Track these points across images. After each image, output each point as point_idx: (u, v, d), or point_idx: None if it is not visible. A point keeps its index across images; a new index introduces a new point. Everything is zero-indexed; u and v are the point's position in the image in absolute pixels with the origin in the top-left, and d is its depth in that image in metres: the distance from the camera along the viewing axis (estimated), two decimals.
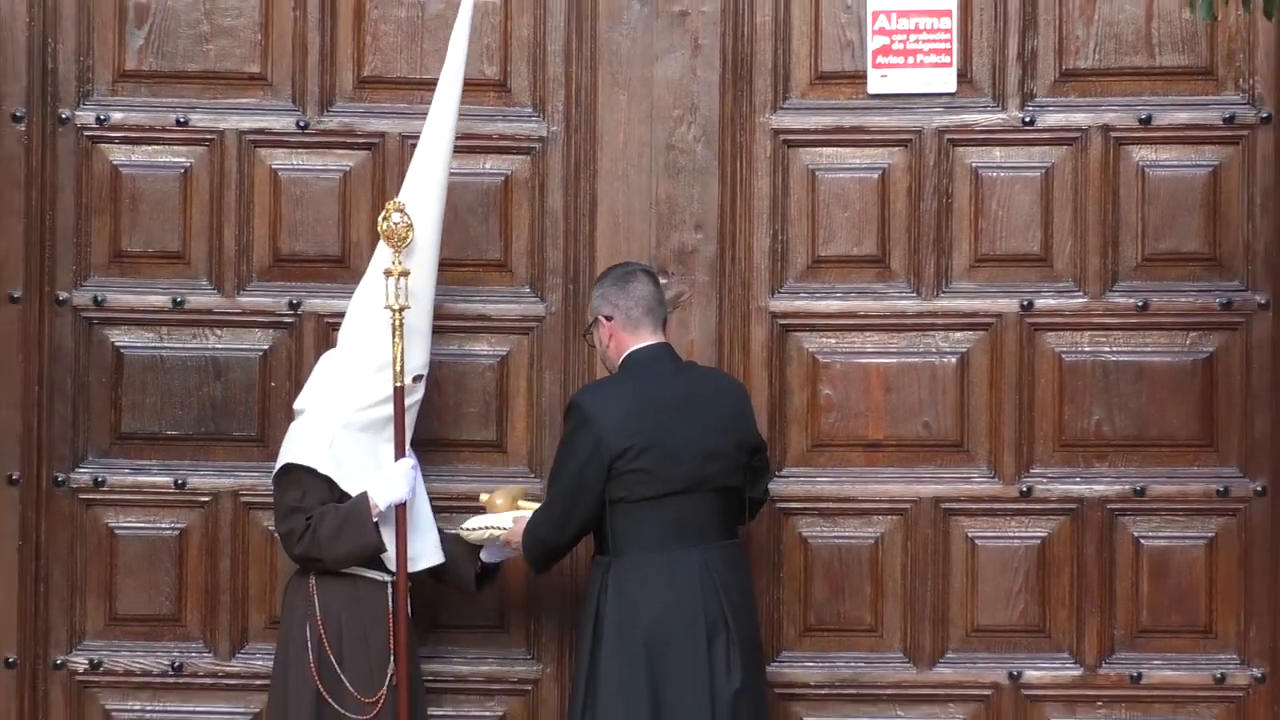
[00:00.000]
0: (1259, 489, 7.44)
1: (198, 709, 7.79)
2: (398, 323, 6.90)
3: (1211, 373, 7.59)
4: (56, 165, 7.76)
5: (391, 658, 7.01)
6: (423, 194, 7.29)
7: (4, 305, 7.64)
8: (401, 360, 6.92)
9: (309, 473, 6.94)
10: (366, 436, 7.08)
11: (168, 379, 7.81)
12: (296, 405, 7.30)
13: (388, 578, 7.03)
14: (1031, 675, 7.54)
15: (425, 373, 7.27)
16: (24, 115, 7.67)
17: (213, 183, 7.83)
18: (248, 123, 7.84)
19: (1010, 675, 7.51)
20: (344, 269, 7.84)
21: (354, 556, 6.95)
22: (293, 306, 7.80)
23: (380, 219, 7.04)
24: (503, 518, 7.04)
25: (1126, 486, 7.58)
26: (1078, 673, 7.59)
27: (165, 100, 7.81)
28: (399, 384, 6.92)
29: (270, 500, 7.47)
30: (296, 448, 7.05)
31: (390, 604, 7.07)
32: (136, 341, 7.79)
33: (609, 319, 6.91)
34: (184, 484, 7.69)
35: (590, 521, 6.79)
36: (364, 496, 6.86)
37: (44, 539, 7.67)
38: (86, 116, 7.76)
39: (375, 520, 6.85)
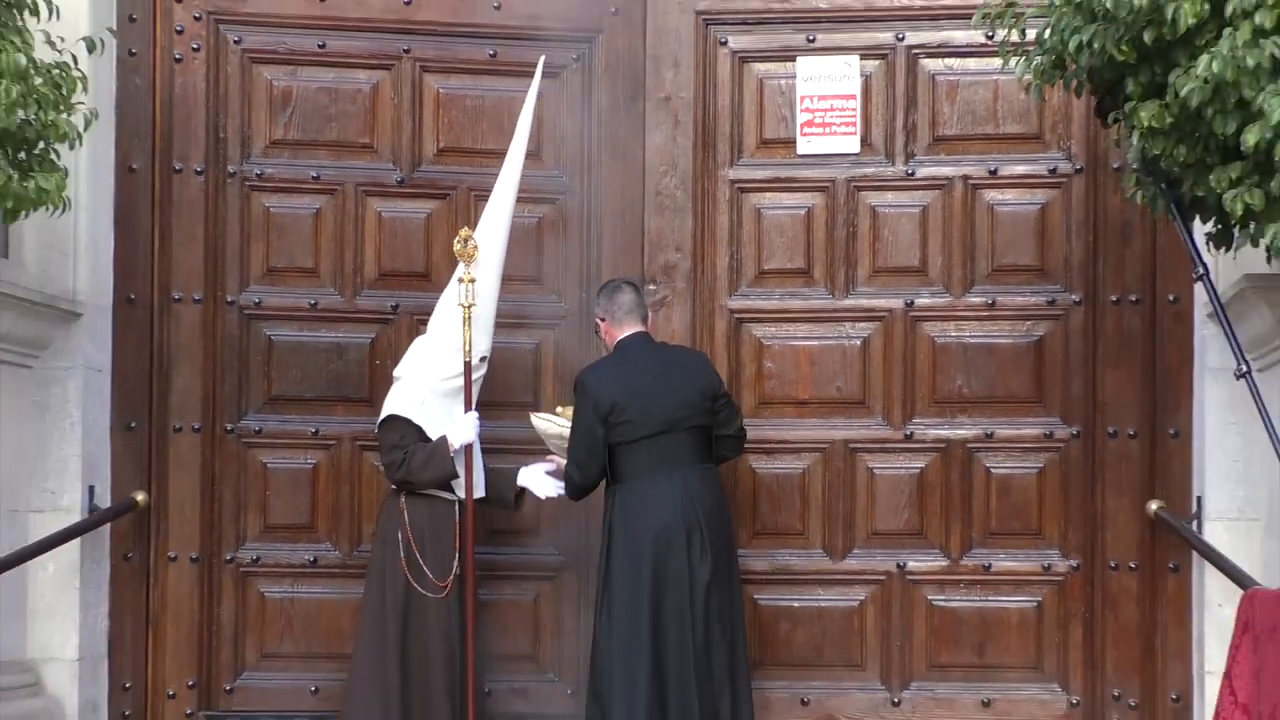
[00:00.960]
0: (1074, 433, 8.56)
1: (325, 590, 8.87)
2: (467, 316, 7.88)
3: (1040, 351, 8.66)
4: (226, 206, 8.76)
5: (457, 554, 8.01)
6: (493, 227, 8.16)
7: (189, 305, 8.66)
8: (470, 343, 7.91)
9: (405, 421, 8.01)
10: (445, 399, 8.05)
11: (304, 358, 8.86)
12: (395, 373, 8.24)
13: (454, 498, 8.07)
14: (913, 565, 8.67)
15: (488, 354, 8.16)
16: (203, 170, 8.69)
17: (336, 220, 8.91)
18: (360, 177, 8.92)
19: (898, 565, 8.64)
20: (427, 280, 8.87)
21: (436, 481, 8.01)
22: (392, 308, 8.91)
23: (455, 242, 8.02)
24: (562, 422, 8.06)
25: (980, 431, 8.72)
26: (945, 563, 8.69)
27: (302, 161, 8.87)
28: (467, 360, 7.93)
29: (374, 444, 8.51)
30: (397, 403, 8.09)
31: (456, 517, 8.07)
32: (283, 331, 8.85)
33: (603, 320, 8.08)
34: (316, 431, 8.83)
35: (603, 461, 7.77)
36: (444, 438, 7.92)
37: (217, 471, 8.71)
38: (248, 171, 8.78)
39: (451, 456, 7.93)
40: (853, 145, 8.92)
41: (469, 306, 7.93)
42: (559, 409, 8.27)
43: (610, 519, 7.81)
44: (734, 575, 7.94)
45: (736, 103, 9.06)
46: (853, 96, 8.89)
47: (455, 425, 8.03)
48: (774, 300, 8.95)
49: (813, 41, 8.96)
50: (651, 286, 8.72)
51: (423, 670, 8.02)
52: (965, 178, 8.83)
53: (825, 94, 8.92)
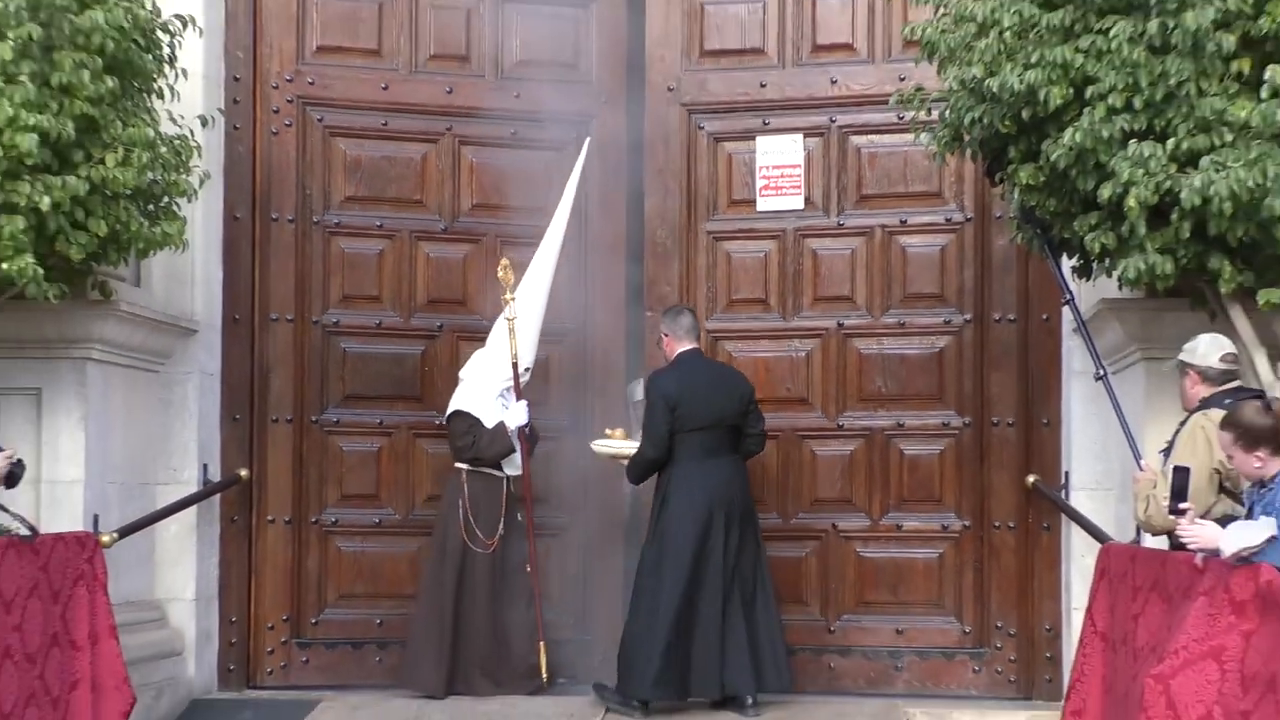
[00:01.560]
0: (966, 422, 8.55)
1: (387, 546, 8.86)
2: (511, 327, 8.08)
3: (940, 359, 8.64)
4: (310, 247, 8.73)
5: (502, 518, 8.14)
6: (541, 267, 8.30)
7: (282, 324, 8.65)
8: (515, 349, 8.07)
9: (469, 414, 8.11)
10: (498, 397, 8.14)
11: (371, 365, 8.84)
12: (460, 375, 8.31)
13: (503, 475, 8.18)
14: (844, 525, 8.68)
15: (530, 367, 8.25)
16: (294, 219, 8.71)
17: (394, 259, 8.91)
18: (413, 226, 8.94)
19: (833, 525, 8.67)
20: (464, 306, 9.00)
21: (498, 456, 8.10)
22: (438, 327, 8.94)
23: (499, 270, 8.20)
24: (626, 444, 8.03)
25: (894, 421, 8.69)
26: (868, 524, 8.70)
27: (369, 213, 8.88)
28: (514, 360, 8.08)
29: (426, 432, 8.79)
30: (462, 401, 8.17)
31: (504, 489, 8.19)
32: (354, 344, 8.83)
33: (666, 335, 7.93)
34: (380, 422, 8.80)
35: (668, 443, 7.65)
36: (502, 424, 8.06)
37: (304, 452, 8.70)
38: (327, 220, 8.78)
39: (509, 435, 8.05)
40: (798, 203, 8.93)
41: (512, 319, 8.10)
42: (608, 431, 8.27)
43: (666, 489, 7.67)
44: (759, 538, 7.88)
45: (711, 172, 9.09)
46: (798, 166, 8.90)
47: (510, 412, 8.11)
48: (740, 322, 8.93)
49: (767, 124, 8.95)
50: (648, 314, 8.81)
51: (470, 607, 8.08)
52: (883, 226, 8.81)
53: (777, 164, 8.94)
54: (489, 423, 8.12)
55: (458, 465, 8.23)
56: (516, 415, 8.10)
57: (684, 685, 7.57)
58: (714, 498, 7.57)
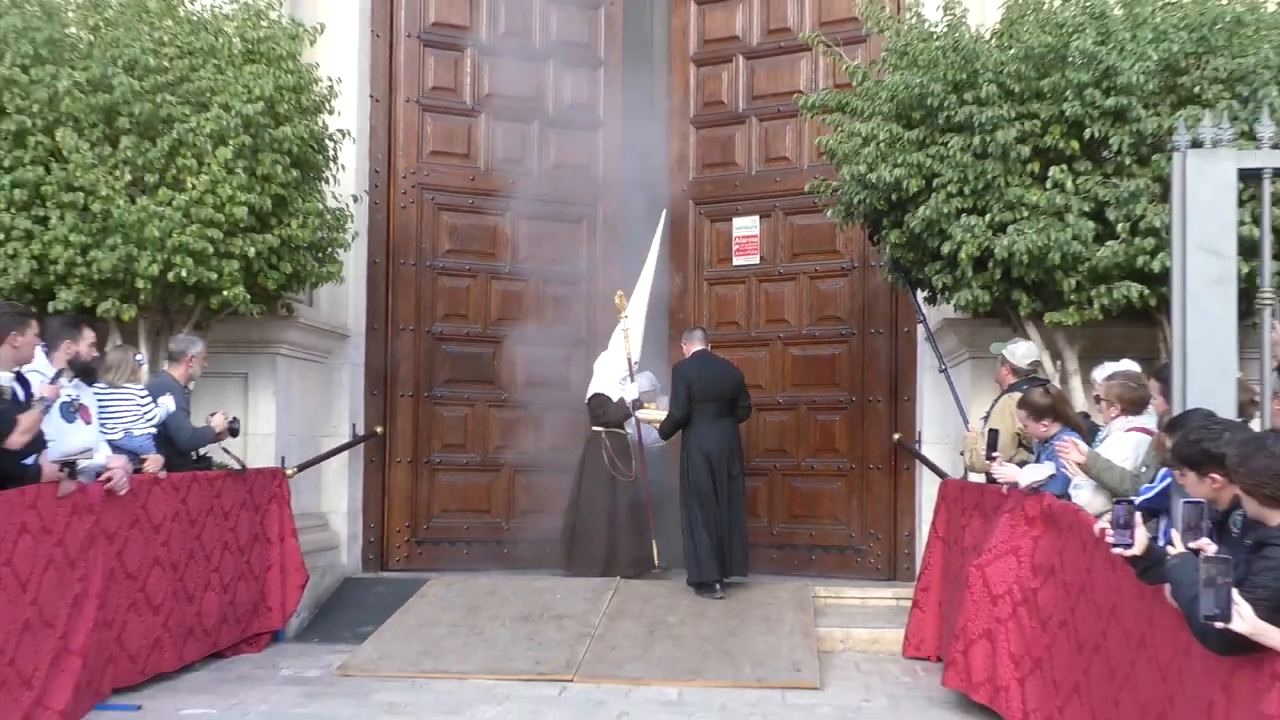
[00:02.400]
0: (853, 399, 8.41)
1: (472, 479, 8.73)
2: (625, 336, 7.92)
3: (837, 359, 8.52)
4: (423, 281, 8.59)
5: (634, 459, 7.89)
6: (639, 299, 8.15)
7: (406, 332, 8.52)
8: (629, 347, 7.94)
9: (601, 394, 7.94)
10: (620, 383, 7.93)
11: (461, 360, 8.74)
12: (594, 367, 8.10)
13: (624, 432, 7.92)
14: (780, 465, 8.62)
15: (638, 362, 8.03)
16: (414, 263, 8.56)
17: (477, 291, 8.79)
18: (488, 270, 8.82)
19: (774, 465, 8.58)
20: (520, 323, 8.78)
21: (620, 420, 7.90)
22: (503, 336, 8.77)
23: (616, 298, 8.01)
24: (658, 413, 7.82)
25: (810, 399, 8.60)
26: (796, 464, 8.62)
27: (461, 260, 8.70)
28: (629, 357, 7.91)
29: (494, 404, 8.72)
30: (596, 386, 7.99)
31: (628, 441, 7.91)
32: (452, 347, 8.72)
33: (685, 344, 7.66)
34: (467, 397, 8.71)
35: (688, 409, 7.29)
36: (622, 399, 7.87)
37: (419, 416, 8.57)
38: (435, 264, 8.64)
39: (628, 406, 7.84)
40: (755, 260, 8.88)
41: (626, 330, 7.95)
42: (645, 404, 8.04)
43: (687, 442, 7.38)
44: (742, 472, 7.52)
45: (711, 242, 9.08)
46: (755, 236, 8.87)
47: (625, 390, 7.94)
48: (724, 335, 8.72)
49: (738, 210, 8.92)
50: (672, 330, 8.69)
51: (613, 513, 7.83)
52: (804, 273, 8.73)
53: (744, 235, 8.92)
54: (614, 399, 7.95)
55: (595, 428, 7.98)
56: (629, 393, 7.91)
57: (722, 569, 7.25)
58: (717, 447, 7.28)
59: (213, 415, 6.31)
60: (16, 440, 4.58)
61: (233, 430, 6.35)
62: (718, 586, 7.17)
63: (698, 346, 7.62)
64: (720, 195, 9.02)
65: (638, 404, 7.97)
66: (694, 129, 9.16)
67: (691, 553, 7.25)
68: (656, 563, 7.88)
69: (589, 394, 8.06)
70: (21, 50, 6.04)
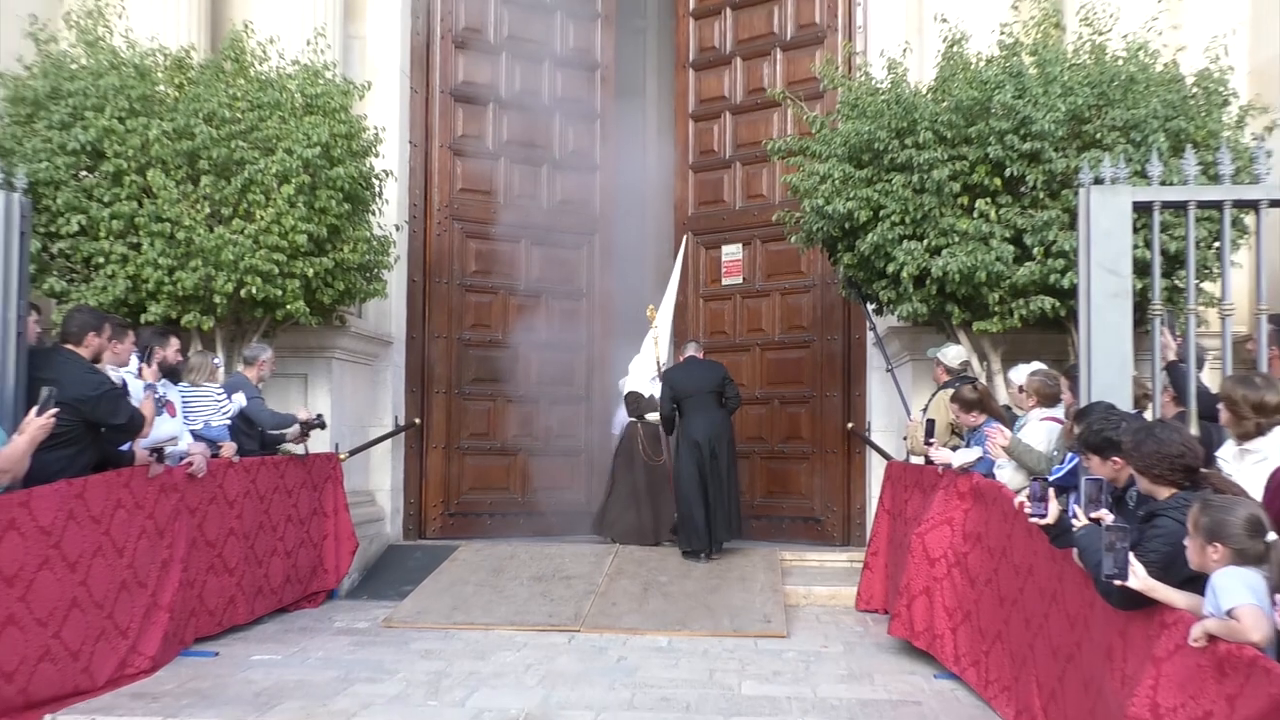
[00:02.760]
0: (814, 394, 8.33)
1: (494, 463, 8.62)
2: (655, 342, 7.91)
3: (803, 361, 8.47)
4: (454, 297, 8.51)
5: (663, 446, 7.69)
6: (665, 314, 8.13)
7: (440, 339, 8.42)
8: (658, 351, 7.91)
9: (635, 392, 7.85)
10: (650, 381, 7.79)
11: (486, 362, 8.65)
12: (630, 367, 8.01)
13: (655, 422, 7.61)
14: (758, 449, 8.50)
15: (667, 362, 7.87)
16: (447, 281, 8.44)
17: (499, 305, 8.70)
18: (508, 288, 8.70)
19: (754, 449, 8.45)
20: (534, 333, 8.68)
21: (649, 412, 7.69)
22: (519, 343, 8.69)
23: (648, 311, 8.00)
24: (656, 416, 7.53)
25: (781, 394, 8.55)
26: (769, 448, 8.55)
27: (487, 280, 8.65)
28: (658, 359, 7.83)
29: (511, 400, 8.59)
30: (631, 385, 7.92)
31: (658, 429, 7.61)
32: (478, 351, 8.63)
33: (678, 353, 7.74)
34: (490, 393, 8.61)
35: (671, 405, 7.25)
36: (653, 395, 7.66)
37: (451, 409, 8.52)
38: (465, 283, 8.56)
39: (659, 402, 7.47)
40: (739, 280, 8.86)
41: (655, 338, 7.93)
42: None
43: (680, 432, 7.30)
44: (732, 454, 7.33)
45: (706, 266, 9.04)
46: (739, 260, 8.85)
47: (652, 388, 7.82)
48: (716, 343, 8.70)
49: (726, 239, 8.89)
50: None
51: (643, 490, 7.67)
52: (777, 290, 8.69)
53: (731, 260, 8.89)
54: (645, 395, 7.84)
55: (630, 418, 7.87)
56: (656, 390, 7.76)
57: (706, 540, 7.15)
58: (704, 434, 7.11)
59: (302, 411, 6.39)
60: (149, 432, 4.67)
61: (320, 424, 6.36)
62: (702, 555, 7.10)
63: (688, 354, 7.55)
64: (712, 227, 9.01)
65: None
66: (692, 173, 9.20)
67: (681, 525, 7.21)
68: (674, 533, 7.72)
69: (625, 390, 7.99)
70: (119, 105, 6.04)
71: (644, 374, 7.94)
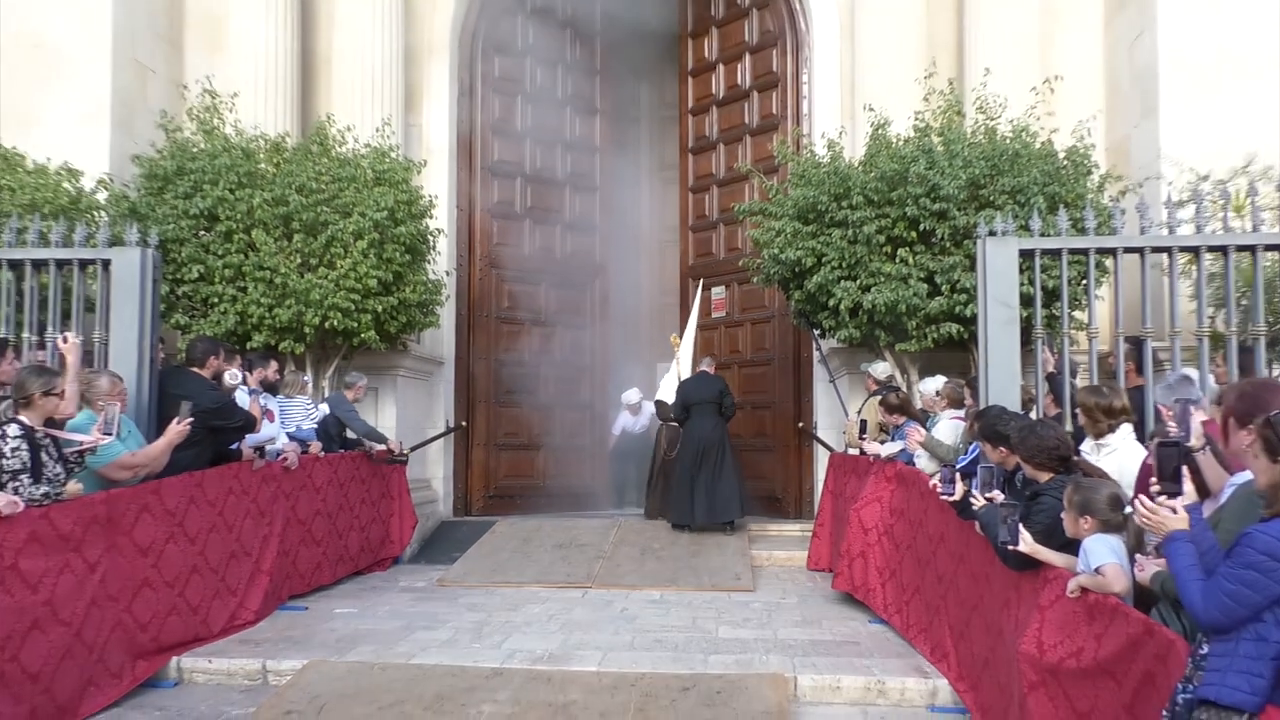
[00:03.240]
0: (776, 401, 8.03)
1: (524, 456, 8.41)
2: (678, 361, 7.64)
3: (767, 375, 8.20)
4: (493, 327, 8.31)
5: (678, 443, 7.14)
6: (688, 337, 7.84)
7: (483, 360, 8.21)
8: (679, 372, 7.55)
9: (664, 400, 7.56)
10: (671, 394, 7.38)
11: (517, 378, 8.45)
12: (659, 383, 7.85)
13: (677, 424, 7.23)
14: (739, 445, 7.41)
15: (689, 374, 7.43)
16: (489, 314, 8.24)
17: (526, 333, 8.49)
18: (533, 320, 8.49)
19: (736, 445, 7.50)
20: (556, 358, 8.56)
21: (672, 415, 7.29)
22: (544, 364, 8.56)
23: (672, 338, 7.90)
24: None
25: (752, 401, 8.21)
26: (745, 443, 7.96)
27: (517, 313, 8.43)
28: (680, 376, 7.48)
29: (536, 409, 8.34)
30: (662, 394, 7.68)
31: (679, 431, 7.16)
32: (510, 369, 8.41)
33: (693, 365, 7.47)
34: (521, 404, 8.37)
35: (685, 410, 6.99)
36: (676, 400, 7.10)
37: (490, 415, 8.29)
38: (501, 315, 8.34)
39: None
40: (723, 313, 8.65)
41: (678, 360, 7.69)
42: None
43: (684, 433, 7.04)
44: (728, 451, 6.96)
45: (700, 300, 8.54)
46: (724, 300, 8.66)
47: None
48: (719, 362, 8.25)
49: (714, 283, 8.67)
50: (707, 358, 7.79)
51: (667, 479, 7.31)
52: (748, 320, 8.48)
53: (718, 298, 8.71)
54: (670, 403, 7.44)
55: (660, 420, 7.68)
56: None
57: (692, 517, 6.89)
58: (702, 435, 6.89)
59: (394, 441, 6.26)
60: (260, 428, 4.81)
61: (403, 460, 6.28)
62: (687, 527, 6.99)
63: (701, 367, 7.38)
64: (705, 274, 8.81)
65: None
66: (691, 233, 9.06)
67: (674, 504, 7.11)
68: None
69: (655, 399, 7.84)
70: (229, 179, 6.06)
71: (670, 388, 7.71)
